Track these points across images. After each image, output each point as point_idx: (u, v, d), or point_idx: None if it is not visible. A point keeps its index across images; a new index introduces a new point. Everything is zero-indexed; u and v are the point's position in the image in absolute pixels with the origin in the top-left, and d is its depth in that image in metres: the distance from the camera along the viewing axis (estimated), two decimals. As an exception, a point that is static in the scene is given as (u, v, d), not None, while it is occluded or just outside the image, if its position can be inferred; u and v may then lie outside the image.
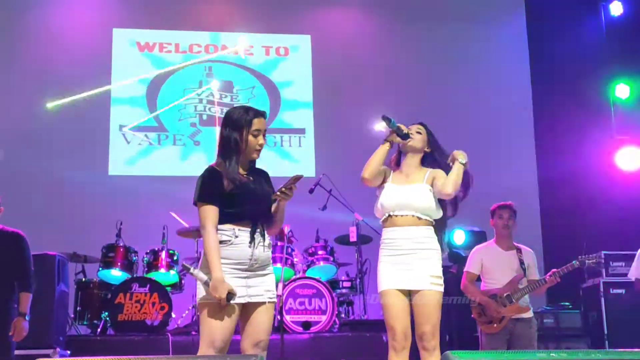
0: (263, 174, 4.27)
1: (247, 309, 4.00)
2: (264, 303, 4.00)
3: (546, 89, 10.36)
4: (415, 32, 10.61)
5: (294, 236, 8.05)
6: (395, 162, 4.60)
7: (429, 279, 4.28)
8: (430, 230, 4.38)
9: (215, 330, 3.88)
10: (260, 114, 4.15)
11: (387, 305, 4.31)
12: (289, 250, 7.83)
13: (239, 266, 3.95)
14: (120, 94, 10.02)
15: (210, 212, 3.97)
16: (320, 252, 8.08)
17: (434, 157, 4.55)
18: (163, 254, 7.81)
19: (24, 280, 5.45)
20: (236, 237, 3.96)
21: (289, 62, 10.54)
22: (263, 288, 4.01)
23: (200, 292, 3.97)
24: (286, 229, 7.68)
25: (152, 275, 7.68)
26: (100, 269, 7.77)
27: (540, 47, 10.61)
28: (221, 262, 3.89)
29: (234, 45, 10.42)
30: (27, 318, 5.33)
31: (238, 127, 4.08)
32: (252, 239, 3.98)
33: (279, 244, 7.74)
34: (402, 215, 4.36)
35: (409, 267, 4.28)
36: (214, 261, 3.88)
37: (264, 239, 4.03)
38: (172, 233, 7.97)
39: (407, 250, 4.30)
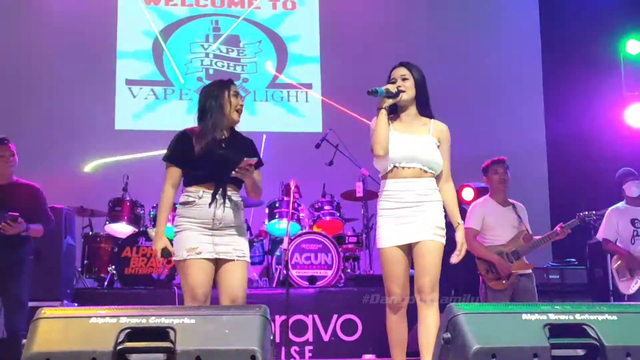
0: (245, 142, 4.50)
1: (219, 267, 4.26)
2: (232, 260, 4.24)
3: (556, 45, 10.27)
4: (424, -14, 10.51)
5: (300, 191, 8.04)
6: (389, 110, 4.33)
7: (431, 230, 4.13)
8: (433, 182, 4.23)
9: (194, 284, 4.17)
10: (233, 82, 4.47)
11: (385, 265, 4.21)
12: (295, 205, 7.83)
13: (204, 225, 4.22)
14: (126, 48, 9.96)
15: (171, 173, 4.33)
16: (326, 207, 8.08)
17: (422, 100, 4.33)
18: (169, 208, 7.80)
19: (45, 224, 5.69)
20: (200, 198, 4.23)
21: (296, 15, 10.44)
22: (231, 247, 4.26)
23: (175, 251, 4.25)
24: (292, 184, 7.66)
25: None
26: (107, 222, 7.80)
27: (550, 2, 10.49)
28: (188, 221, 4.22)
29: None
30: (23, 228, 5.45)
31: (219, 91, 4.37)
32: (214, 199, 4.21)
33: (285, 199, 7.75)
34: (408, 168, 4.19)
35: (411, 220, 4.13)
36: (160, 217, 4.31)
37: (225, 201, 4.23)
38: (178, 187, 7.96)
39: (411, 203, 4.15)
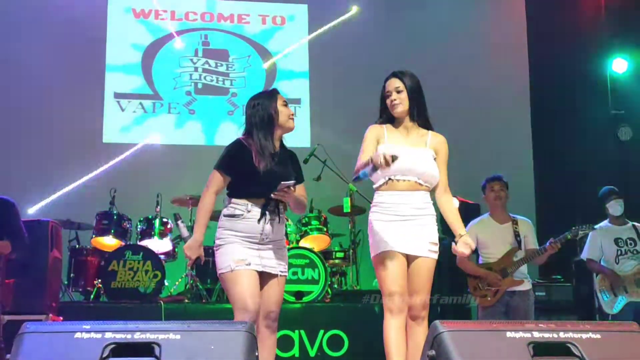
0: (290, 156, 4.44)
1: (261, 280, 4.20)
2: (276, 276, 4.24)
3: (543, 63, 10.34)
4: (414, 1, 10.55)
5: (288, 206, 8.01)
6: (386, 120, 4.35)
7: (427, 246, 4.13)
8: (428, 196, 4.21)
9: (246, 295, 4.06)
10: (279, 92, 4.42)
11: (387, 266, 4.09)
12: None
13: (251, 239, 4.16)
14: (115, 61, 9.96)
15: (217, 180, 4.21)
16: (313, 223, 8.07)
17: (418, 111, 4.29)
18: (157, 222, 7.80)
19: (15, 240, 5.51)
20: (248, 211, 4.15)
21: (285, 31, 10.47)
22: (275, 262, 4.24)
23: (221, 263, 4.17)
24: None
25: (146, 243, 7.68)
26: (94, 236, 7.77)
27: (538, 20, 10.56)
28: (234, 234, 4.15)
29: (230, 13, 10.37)
30: None
31: (269, 101, 4.29)
32: (263, 214, 4.15)
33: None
34: (403, 180, 4.15)
35: (406, 232, 4.10)
36: (199, 222, 4.19)
37: (275, 216, 4.21)
38: (166, 201, 7.97)
39: (407, 217, 4.12)
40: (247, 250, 4.14)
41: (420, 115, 4.31)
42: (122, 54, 10.01)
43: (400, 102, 4.24)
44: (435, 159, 4.26)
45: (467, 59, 10.36)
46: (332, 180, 8.03)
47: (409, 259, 4.15)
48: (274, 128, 4.27)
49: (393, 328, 4.07)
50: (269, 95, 4.35)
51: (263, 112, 4.26)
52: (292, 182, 4.12)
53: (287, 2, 10.52)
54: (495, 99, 10.35)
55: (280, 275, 4.26)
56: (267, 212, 4.17)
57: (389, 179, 4.17)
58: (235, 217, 4.16)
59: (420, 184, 4.18)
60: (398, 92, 4.26)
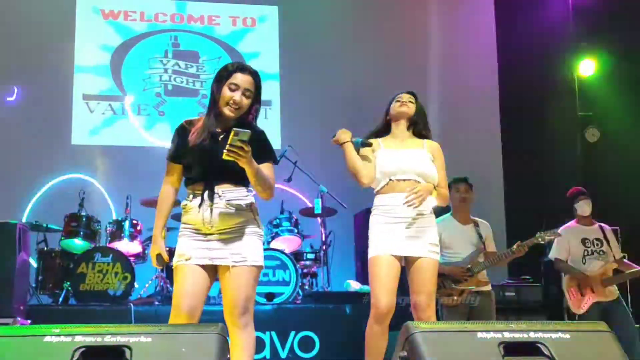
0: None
1: (219, 275, 3.80)
2: (228, 267, 3.73)
3: (512, 65, 10.42)
4: (384, 2, 10.58)
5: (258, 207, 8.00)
6: (382, 131, 4.59)
7: (427, 247, 4.22)
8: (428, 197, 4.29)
9: (177, 292, 3.74)
10: (244, 70, 3.93)
11: (378, 273, 4.16)
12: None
13: (198, 230, 3.76)
14: (83, 62, 9.87)
15: (168, 168, 3.95)
16: (284, 224, 8.08)
17: (418, 127, 4.58)
18: (126, 224, 7.75)
19: None
20: (190, 201, 3.82)
21: (256, 33, 10.45)
22: (228, 251, 3.73)
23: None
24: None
25: (115, 245, 7.63)
26: (63, 238, 7.69)
27: (506, 23, 10.64)
28: (184, 227, 3.81)
29: (200, 14, 10.33)
30: None
31: (217, 80, 3.96)
32: (202, 201, 3.76)
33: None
34: (403, 180, 4.27)
35: (407, 235, 4.18)
36: (155, 219, 3.90)
37: (212, 201, 3.73)
38: (135, 203, 7.92)
39: (408, 219, 4.19)
40: (192, 243, 3.74)
41: (422, 127, 4.56)
42: (91, 55, 9.91)
43: (410, 108, 4.51)
44: (432, 161, 4.41)
45: (437, 61, 10.42)
46: (302, 182, 8.04)
47: (410, 260, 4.22)
48: (216, 108, 3.90)
49: (375, 334, 4.17)
50: (224, 71, 3.95)
51: (214, 87, 3.95)
52: (246, 130, 3.51)
53: (258, 4, 10.50)
54: (463, 101, 10.41)
55: (235, 265, 3.72)
56: (204, 198, 3.75)
57: (390, 179, 4.29)
58: (184, 208, 3.83)
59: (419, 182, 4.28)
60: (411, 101, 4.54)
